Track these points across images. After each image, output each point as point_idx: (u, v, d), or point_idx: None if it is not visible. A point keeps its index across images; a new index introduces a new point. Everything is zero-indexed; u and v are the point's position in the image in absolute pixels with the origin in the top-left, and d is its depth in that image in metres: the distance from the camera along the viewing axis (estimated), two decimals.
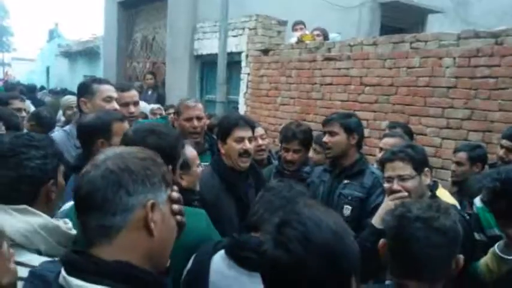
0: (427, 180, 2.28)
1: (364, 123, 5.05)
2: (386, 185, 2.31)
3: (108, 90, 2.81)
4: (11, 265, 1.16)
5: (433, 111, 4.50)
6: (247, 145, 2.70)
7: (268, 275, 1.10)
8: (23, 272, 1.20)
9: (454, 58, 4.32)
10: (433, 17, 9.80)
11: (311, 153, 3.51)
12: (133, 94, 3.14)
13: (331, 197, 2.92)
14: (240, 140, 2.69)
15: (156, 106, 5.67)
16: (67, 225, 1.45)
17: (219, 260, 1.57)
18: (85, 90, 2.81)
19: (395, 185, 2.24)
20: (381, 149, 3.21)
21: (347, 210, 2.80)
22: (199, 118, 3.18)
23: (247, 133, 2.73)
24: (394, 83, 4.86)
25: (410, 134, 3.80)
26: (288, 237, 1.04)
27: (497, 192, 1.99)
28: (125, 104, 2.98)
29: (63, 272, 1.01)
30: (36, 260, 1.29)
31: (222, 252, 1.57)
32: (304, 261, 1.01)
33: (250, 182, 2.79)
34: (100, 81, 2.89)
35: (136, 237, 1.03)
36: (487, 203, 2.10)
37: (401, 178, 2.24)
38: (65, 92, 10.38)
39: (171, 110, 5.08)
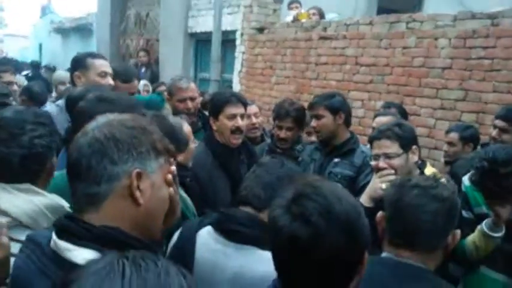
0: (415, 158, 2.28)
1: (358, 103, 5.09)
2: (373, 162, 2.33)
3: (103, 65, 2.77)
4: (3, 239, 1.14)
5: (428, 91, 4.49)
6: (239, 122, 2.69)
7: (285, 251, 1.06)
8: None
9: (450, 39, 4.30)
10: (429, 0, 9.71)
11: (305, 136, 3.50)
12: (133, 86, 3.11)
13: (321, 175, 2.93)
14: (232, 116, 2.68)
15: (142, 83, 5.63)
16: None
17: (205, 235, 1.56)
18: (79, 64, 2.77)
19: (381, 163, 2.25)
20: (373, 128, 3.22)
21: None
22: (192, 99, 3.16)
23: (239, 110, 2.72)
24: (389, 63, 4.84)
25: (404, 114, 3.79)
26: (308, 209, 1.01)
27: (484, 171, 2.02)
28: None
29: (53, 236, 1.02)
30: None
31: (208, 227, 1.57)
32: (325, 234, 0.99)
33: (242, 159, 2.79)
34: (94, 55, 2.85)
35: (123, 205, 1.03)
36: (475, 182, 2.12)
37: (387, 156, 2.25)
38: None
39: (163, 87, 5.04)
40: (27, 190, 1.36)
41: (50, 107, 3.07)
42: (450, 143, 3.45)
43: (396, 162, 2.24)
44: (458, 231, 1.47)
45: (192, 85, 3.24)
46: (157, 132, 1.12)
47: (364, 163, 2.74)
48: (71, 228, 1.01)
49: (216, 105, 2.75)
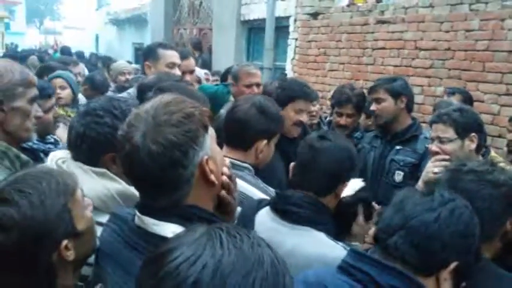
0: (472, 146, 2.20)
1: (418, 89, 4.93)
2: (429, 145, 2.32)
3: (172, 56, 2.85)
4: (87, 212, 1.19)
5: (492, 76, 4.28)
6: (304, 117, 2.69)
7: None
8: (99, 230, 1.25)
9: None
10: None
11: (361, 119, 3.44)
12: (189, 63, 3.16)
13: (382, 162, 2.89)
14: (299, 111, 2.66)
15: (203, 71, 5.69)
16: None
17: (263, 214, 1.62)
18: (150, 54, 2.86)
19: (434, 147, 2.24)
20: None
21: (399, 175, 2.77)
22: (258, 85, 3.16)
23: (308, 106, 2.74)
24: (450, 47, 4.64)
25: (469, 100, 3.64)
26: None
27: None
28: (181, 73, 3.00)
29: (137, 213, 1.07)
30: None
31: (267, 207, 1.63)
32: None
33: None
34: (165, 46, 2.93)
35: (203, 192, 1.08)
36: None
37: (440, 140, 2.21)
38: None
39: (217, 77, 5.04)
40: (103, 175, 1.42)
41: (120, 95, 3.19)
42: None
43: (449, 147, 2.19)
44: None
45: (259, 72, 3.26)
46: (193, 103, 1.11)
47: (428, 149, 2.68)
48: (153, 205, 1.06)
49: (287, 95, 2.67)
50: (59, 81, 3.47)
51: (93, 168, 1.42)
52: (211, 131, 1.12)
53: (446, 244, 1.11)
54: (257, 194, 1.83)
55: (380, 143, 2.95)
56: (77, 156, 1.46)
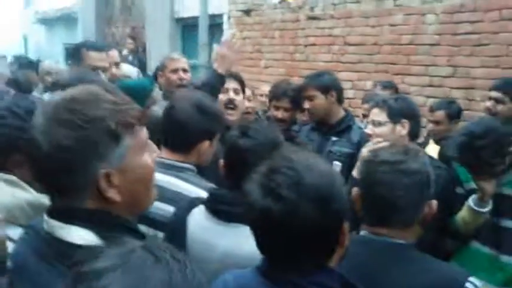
0: (403, 132, 2.30)
1: (348, 84, 5.06)
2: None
3: (95, 58, 2.78)
4: None
5: (416, 69, 4.48)
6: (231, 95, 2.70)
7: (259, 226, 1.06)
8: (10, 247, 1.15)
9: (437, 14, 4.28)
10: None
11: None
12: (113, 54, 3.06)
13: (320, 154, 2.93)
14: (225, 91, 2.70)
15: (135, 70, 5.55)
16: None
17: (197, 213, 1.58)
18: (74, 54, 2.81)
19: (368, 130, 2.37)
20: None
21: (337, 166, 2.82)
22: (184, 70, 3.13)
23: (231, 84, 2.75)
24: (377, 42, 4.82)
25: (395, 91, 3.80)
26: (278, 183, 1.01)
27: (464, 146, 2.03)
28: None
29: (45, 217, 0.99)
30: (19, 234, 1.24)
31: (201, 206, 1.59)
32: (296, 207, 0.98)
33: None
34: (90, 46, 2.85)
35: (103, 206, 0.97)
36: (457, 158, 2.13)
37: (374, 123, 2.33)
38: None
39: None
40: (11, 182, 1.33)
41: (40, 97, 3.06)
42: (437, 122, 3.44)
43: (379, 130, 2.29)
44: (434, 201, 1.45)
45: (184, 59, 3.23)
46: (113, 108, 0.96)
47: (362, 138, 2.75)
48: (59, 209, 0.98)
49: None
50: None
51: (2, 175, 1.33)
52: (136, 141, 0.99)
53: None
54: (199, 193, 1.76)
55: (317, 136, 3.01)
56: None
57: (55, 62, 6.70)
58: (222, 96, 2.74)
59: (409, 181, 1.38)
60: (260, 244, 1.09)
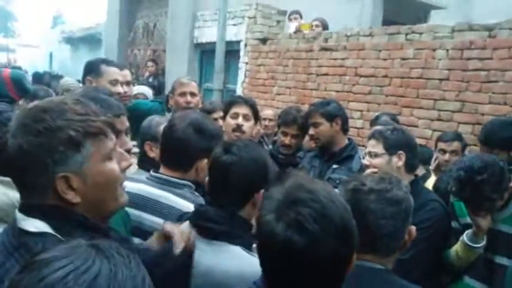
0: (399, 163, 2.31)
1: (357, 114, 5.12)
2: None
3: (115, 73, 2.81)
4: None
5: (425, 103, 4.52)
6: (240, 121, 2.80)
7: (279, 257, 1.03)
8: None
9: (447, 50, 4.34)
10: (435, 13, 9.76)
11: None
12: (126, 73, 3.15)
13: None
14: (235, 116, 2.80)
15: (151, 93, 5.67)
16: None
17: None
18: (92, 69, 2.82)
19: (365, 160, 2.39)
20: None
21: None
22: (192, 94, 3.21)
23: (242, 110, 2.85)
24: (388, 74, 4.89)
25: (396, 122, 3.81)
26: (303, 215, 0.99)
27: (461, 180, 2.03)
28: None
29: (16, 211, 1.09)
30: None
31: (187, 222, 1.60)
32: (320, 239, 0.98)
33: None
34: (109, 62, 2.90)
35: (63, 206, 1.05)
36: (454, 192, 2.13)
37: (370, 154, 2.36)
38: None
39: None
40: (5, 183, 1.40)
41: None
42: (454, 152, 3.38)
43: (376, 161, 2.32)
44: (413, 228, 1.48)
45: (193, 83, 3.31)
46: (75, 118, 1.05)
47: (363, 168, 2.78)
48: (26, 203, 1.08)
49: (224, 105, 2.96)
50: None
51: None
52: (99, 149, 1.08)
53: None
54: (192, 209, 1.82)
55: (319, 163, 3.04)
56: None
57: (76, 80, 6.91)
58: (230, 121, 2.82)
59: (395, 210, 1.42)
60: (270, 271, 1.10)
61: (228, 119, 2.86)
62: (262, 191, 1.60)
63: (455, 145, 3.41)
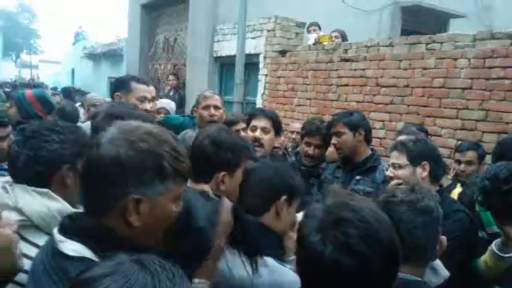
0: (424, 174, 2.32)
1: (379, 124, 5.11)
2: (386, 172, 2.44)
3: (144, 90, 2.87)
4: (4, 231, 1.21)
5: (448, 112, 4.49)
6: (258, 134, 2.84)
7: (325, 278, 1.02)
8: (34, 252, 1.26)
9: (469, 59, 4.31)
10: (455, 22, 9.70)
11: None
12: (150, 90, 3.22)
13: None
14: (254, 128, 2.85)
15: (173, 103, 5.77)
16: None
17: None
18: (122, 86, 2.87)
19: (388, 172, 2.40)
20: None
21: None
22: (216, 107, 3.25)
23: (261, 123, 2.89)
24: (409, 84, 4.87)
25: (425, 134, 3.79)
26: (352, 236, 0.99)
27: (487, 190, 2.01)
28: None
29: (54, 231, 1.11)
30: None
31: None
32: (369, 260, 0.98)
33: None
34: (138, 80, 2.96)
35: (119, 223, 1.08)
36: (480, 202, 2.12)
37: (394, 166, 2.36)
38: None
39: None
40: (44, 194, 1.43)
41: (87, 123, 3.21)
42: (469, 162, 3.40)
43: (400, 172, 2.32)
44: (444, 238, 1.48)
45: (217, 96, 3.34)
46: (172, 153, 1.11)
47: (386, 180, 2.78)
48: (64, 222, 1.11)
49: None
50: None
51: (36, 189, 1.44)
52: (175, 189, 1.13)
53: None
54: None
55: (342, 174, 3.04)
56: (25, 179, 1.47)
57: (97, 94, 7.08)
58: (250, 134, 2.86)
59: (427, 219, 1.43)
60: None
61: (248, 131, 2.91)
62: (283, 198, 1.62)
63: (470, 155, 3.40)
